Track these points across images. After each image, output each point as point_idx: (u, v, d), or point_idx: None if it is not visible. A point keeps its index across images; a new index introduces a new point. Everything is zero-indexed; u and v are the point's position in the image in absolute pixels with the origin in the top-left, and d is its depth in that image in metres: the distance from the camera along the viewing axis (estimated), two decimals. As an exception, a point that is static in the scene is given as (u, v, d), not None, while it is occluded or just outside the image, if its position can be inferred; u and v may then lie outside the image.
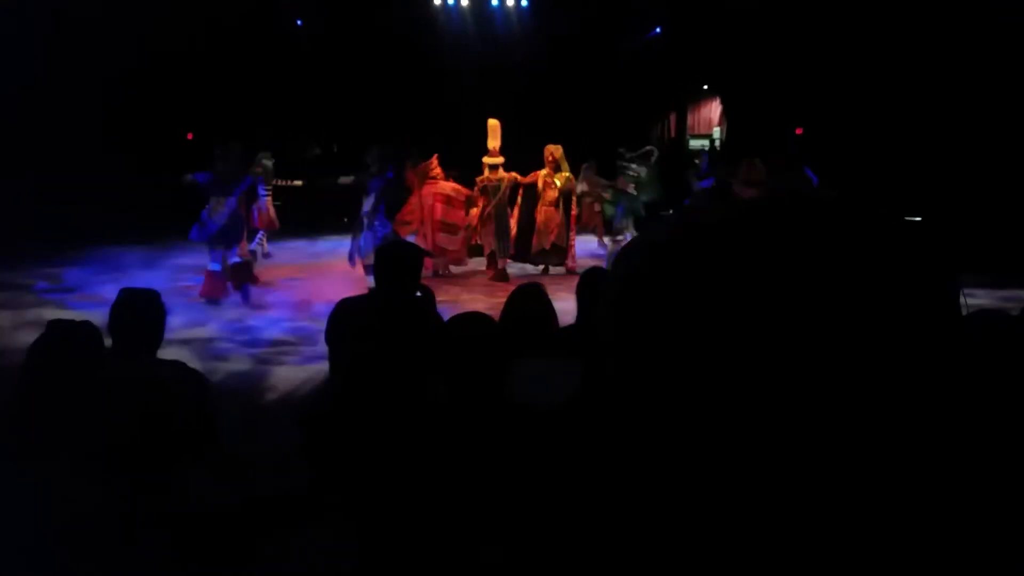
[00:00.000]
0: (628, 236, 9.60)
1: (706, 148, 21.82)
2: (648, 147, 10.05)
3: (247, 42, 17.59)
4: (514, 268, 11.79)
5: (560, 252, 11.74)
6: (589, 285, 3.83)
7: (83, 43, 14.95)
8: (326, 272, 11.53)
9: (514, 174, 11.59)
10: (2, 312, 8.40)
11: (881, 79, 15.30)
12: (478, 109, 13.38)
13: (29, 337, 2.44)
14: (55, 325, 2.41)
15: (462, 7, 19.92)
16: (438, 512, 1.37)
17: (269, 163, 12.95)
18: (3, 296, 9.32)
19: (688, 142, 24.51)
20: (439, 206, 11.15)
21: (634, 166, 10.51)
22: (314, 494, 2.11)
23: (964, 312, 0.63)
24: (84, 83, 15.50)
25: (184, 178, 9.25)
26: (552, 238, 11.59)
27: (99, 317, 2.88)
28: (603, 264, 11.04)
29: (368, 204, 9.99)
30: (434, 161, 11.42)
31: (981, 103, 13.84)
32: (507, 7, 20.07)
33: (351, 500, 1.47)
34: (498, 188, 11.37)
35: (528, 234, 11.70)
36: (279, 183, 12.97)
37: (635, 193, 10.65)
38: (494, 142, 11.46)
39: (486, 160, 11.44)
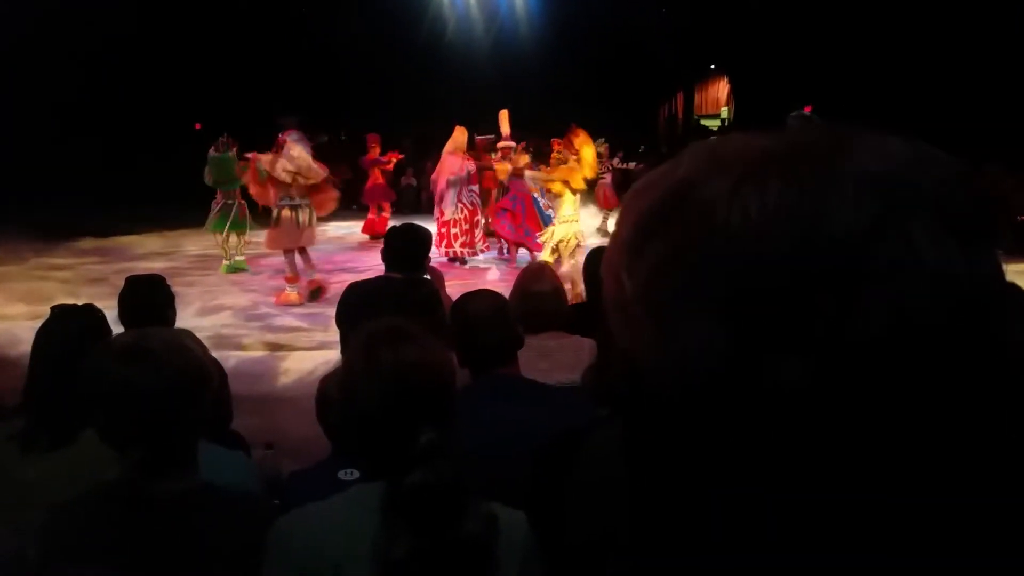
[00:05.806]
0: None
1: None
2: (222, 137, 9.60)
3: (252, 32, 17.58)
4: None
5: None
6: (595, 263, 3.81)
7: (91, 36, 14.97)
8: (339, 257, 11.58)
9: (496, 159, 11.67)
10: (17, 306, 8.44)
11: (891, 55, 15.16)
12: (484, 95, 13.33)
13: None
14: (58, 310, 2.43)
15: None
16: (458, 485, 1.37)
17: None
18: (18, 288, 9.35)
19: (696, 122, 24.38)
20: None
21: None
22: (334, 474, 2.12)
23: None
24: (92, 74, 15.54)
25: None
26: None
27: (111, 305, 2.91)
28: None
29: None
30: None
31: (990, 79, 13.71)
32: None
33: (372, 476, 1.47)
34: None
35: None
36: None
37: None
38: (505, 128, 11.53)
39: (500, 146, 11.52)
